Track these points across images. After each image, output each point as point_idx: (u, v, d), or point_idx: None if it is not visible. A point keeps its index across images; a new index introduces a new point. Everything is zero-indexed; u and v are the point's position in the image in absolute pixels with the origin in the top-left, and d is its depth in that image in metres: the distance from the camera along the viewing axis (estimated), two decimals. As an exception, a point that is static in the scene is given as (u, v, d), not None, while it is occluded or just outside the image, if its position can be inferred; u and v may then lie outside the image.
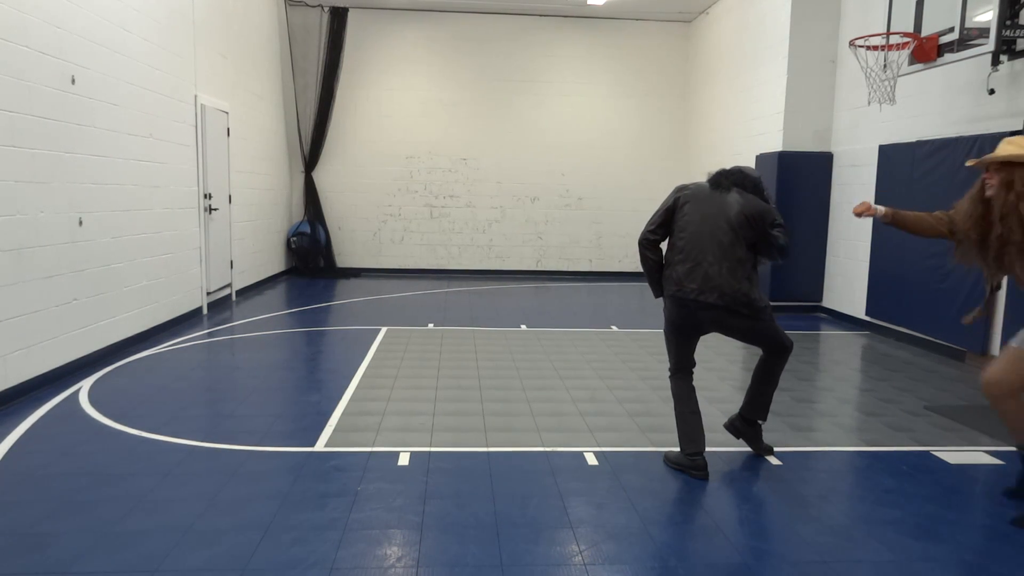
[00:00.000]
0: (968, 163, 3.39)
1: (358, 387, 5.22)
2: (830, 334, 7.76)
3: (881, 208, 3.58)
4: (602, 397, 5.10)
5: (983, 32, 5.73)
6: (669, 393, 3.92)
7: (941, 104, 6.80)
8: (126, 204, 6.24)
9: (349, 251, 12.39)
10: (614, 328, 7.77)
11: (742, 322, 3.65)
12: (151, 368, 5.70)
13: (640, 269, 4.01)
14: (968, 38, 5.85)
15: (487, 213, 12.59)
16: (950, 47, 6.00)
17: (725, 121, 10.77)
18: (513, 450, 4.03)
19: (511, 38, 12.26)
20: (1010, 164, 3.11)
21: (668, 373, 3.91)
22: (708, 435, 3.83)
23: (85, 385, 5.16)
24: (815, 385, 5.60)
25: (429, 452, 3.96)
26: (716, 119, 11.16)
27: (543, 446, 4.10)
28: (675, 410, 3.82)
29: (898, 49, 6.40)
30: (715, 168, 3.93)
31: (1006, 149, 3.15)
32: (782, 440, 4.26)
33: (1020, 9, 5.53)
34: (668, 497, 3.47)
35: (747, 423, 4.00)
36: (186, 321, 7.55)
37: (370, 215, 12.40)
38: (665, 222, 3.78)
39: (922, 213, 3.58)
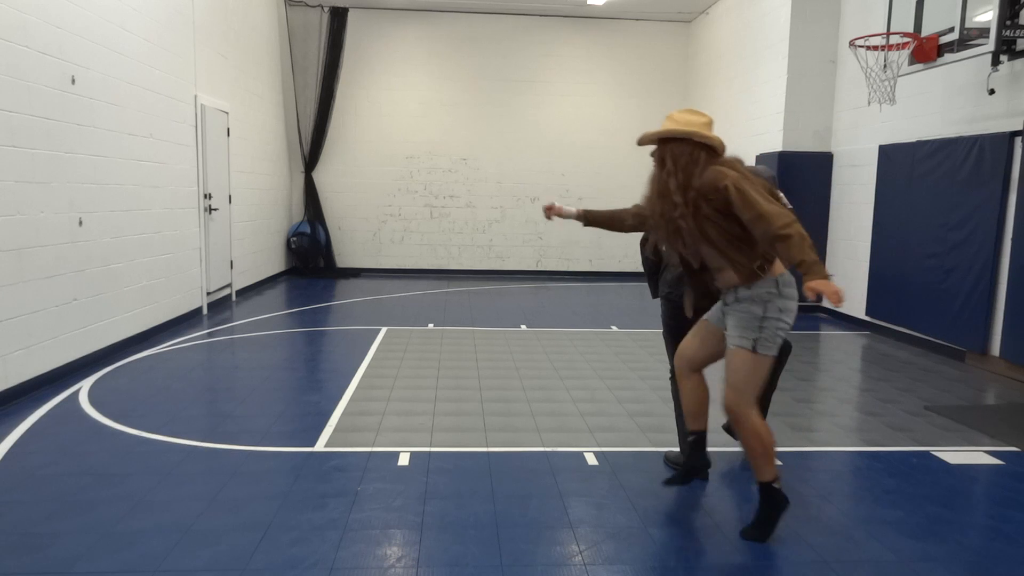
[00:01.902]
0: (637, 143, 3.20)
1: (358, 387, 5.22)
2: (830, 334, 7.76)
3: (572, 209, 3.51)
4: (602, 397, 5.10)
5: (983, 32, 5.73)
6: (669, 393, 3.92)
7: (941, 104, 6.80)
8: (126, 204, 6.24)
9: (349, 251, 12.40)
10: (614, 328, 7.77)
11: None
12: (151, 368, 5.70)
13: (640, 269, 4.01)
14: (968, 38, 5.85)
15: (487, 213, 12.59)
16: (950, 47, 6.00)
17: (725, 121, 10.75)
18: (513, 450, 4.03)
19: (511, 38, 12.25)
20: (665, 140, 2.97)
21: (668, 374, 3.91)
22: (708, 435, 3.82)
23: (85, 385, 5.16)
24: (815, 385, 5.60)
25: (429, 452, 3.96)
26: (716, 119, 11.07)
27: (543, 446, 4.10)
28: (675, 411, 3.81)
29: (898, 49, 6.41)
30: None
31: (664, 125, 2.99)
32: (782, 440, 4.25)
33: (1020, 9, 5.54)
34: (668, 497, 3.47)
35: (747, 423, 3.99)
36: (186, 321, 7.55)
37: (370, 215, 12.40)
38: None
39: (616, 209, 3.49)
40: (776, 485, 3.03)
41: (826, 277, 2.61)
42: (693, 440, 3.30)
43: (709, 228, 2.89)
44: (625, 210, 3.44)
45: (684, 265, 3.16)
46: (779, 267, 2.95)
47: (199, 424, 4.38)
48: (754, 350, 2.92)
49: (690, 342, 3.25)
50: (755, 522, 3.08)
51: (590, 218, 3.55)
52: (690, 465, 3.33)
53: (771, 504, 3.04)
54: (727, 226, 2.88)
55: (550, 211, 3.59)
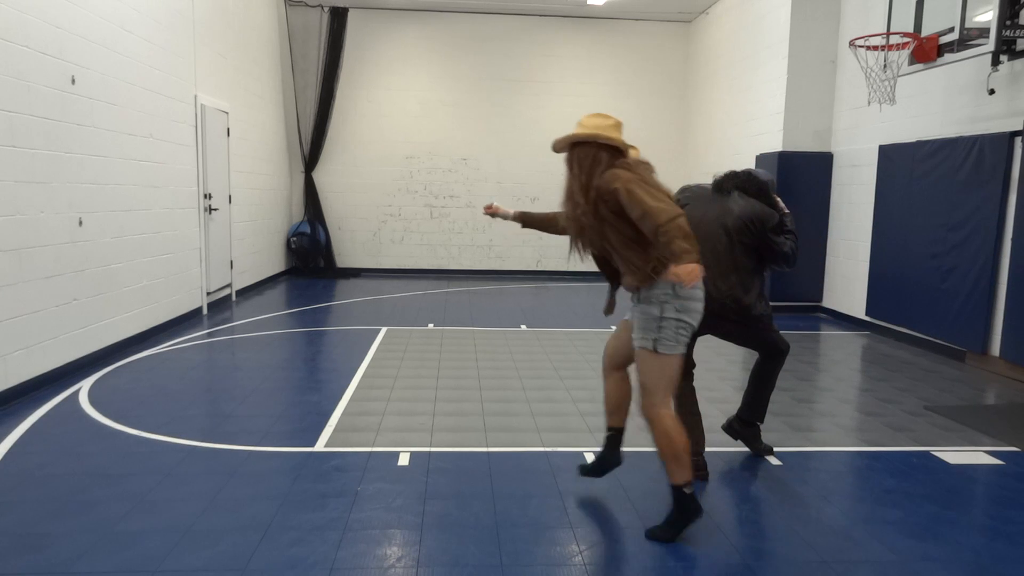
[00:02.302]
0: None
1: (358, 387, 5.22)
2: (830, 334, 7.76)
3: (509, 211, 3.64)
4: (602, 397, 5.09)
5: (983, 32, 5.73)
6: (669, 393, 3.91)
7: (941, 104, 6.80)
8: (126, 204, 6.24)
9: (349, 251, 12.39)
10: (614, 328, 7.75)
11: (734, 327, 3.65)
12: (151, 368, 5.70)
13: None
14: (968, 38, 5.85)
15: (487, 213, 12.57)
16: (950, 47, 6.00)
17: (725, 121, 10.76)
18: (513, 450, 4.03)
19: (511, 38, 12.25)
20: (575, 145, 3.02)
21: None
22: (708, 436, 3.83)
23: (85, 385, 5.16)
24: (815, 385, 5.60)
25: (429, 452, 3.96)
26: (716, 119, 11.16)
27: (543, 446, 4.10)
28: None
29: (898, 49, 6.41)
30: (717, 169, 3.94)
31: (575, 130, 3.04)
32: (782, 440, 4.26)
33: (1020, 9, 5.54)
34: (668, 497, 3.46)
35: (745, 424, 4.00)
36: (186, 321, 7.55)
37: (370, 215, 12.40)
38: None
39: (552, 212, 3.56)
40: (687, 491, 3.02)
41: (695, 263, 2.64)
42: (609, 436, 3.40)
43: (607, 229, 2.97)
44: (559, 212, 3.45)
45: (598, 263, 3.24)
46: None
47: (199, 424, 4.38)
48: (655, 350, 2.96)
49: (610, 340, 3.38)
50: (665, 522, 3.09)
51: (527, 220, 3.64)
52: (603, 457, 3.43)
53: (681, 509, 3.04)
54: (621, 227, 2.93)
55: (488, 209, 3.67)
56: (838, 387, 5.56)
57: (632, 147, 3.06)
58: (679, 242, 2.68)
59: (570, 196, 3.03)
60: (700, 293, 3.01)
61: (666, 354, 2.96)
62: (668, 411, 3.03)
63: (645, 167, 3.02)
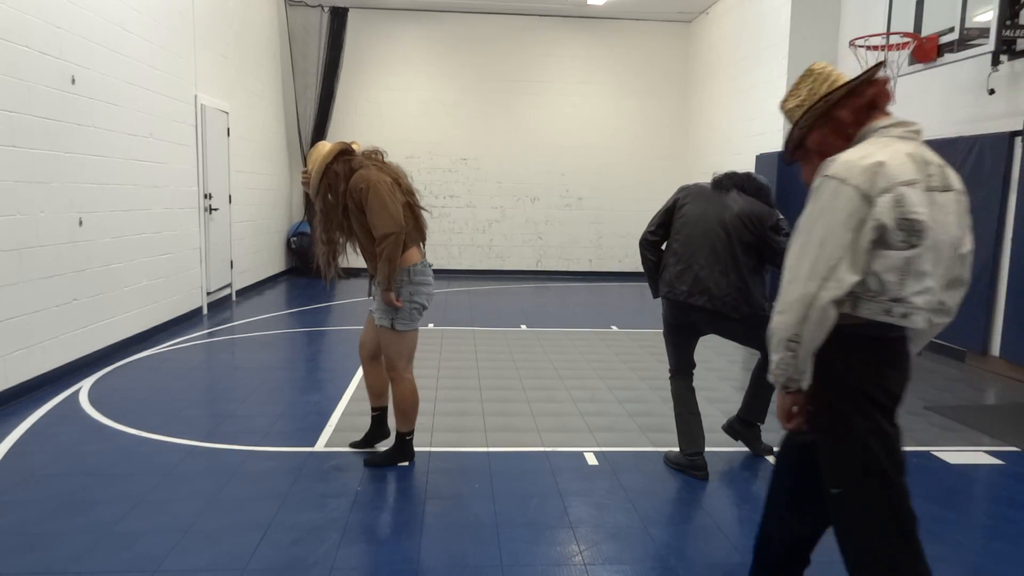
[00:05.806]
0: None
1: (358, 387, 5.22)
2: (830, 334, 7.74)
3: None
4: (602, 397, 5.10)
5: (983, 32, 5.74)
6: (669, 393, 3.91)
7: (941, 104, 6.80)
8: (126, 204, 6.24)
9: (349, 251, 12.36)
10: (614, 328, 7.77)
11: (734, 326, 3.64)
12: (151, 368, 5.70)
13: (640, 269, 4.02)
14: (968, 38, 5.86)
15: (487, 213, 12.59)
16: (950, 47, 6.01)
17: (725, 121, 10.77)
18: (513, 450, 4.03)
19: (511, 38, 12.25)
20: (325, 171, 3.60)
21: (668, 374, 3.91)
22: (708, 435, 3.83)
23: (85, 385, 5.16)
24: (815, 385, 5.59)
25: (429, 452, 3.96)
26: (716, 119, 11.16)
27: (543, 446, 4.10)
28: (675, 411, 3.81)
29: (898, 49, 6.41)
30: (717, 169, 3.93)
31: (313, 165, 3.59)
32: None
33: (1020, 9, 5.54)
34: (668, 497, 3.47)
35: (745, 425, 4.00)
36: (186, 321, 7.55)
37: (370, 215, 12.37)
38: (665, 223, 3.78)
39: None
40: (408, 438, 3.74)
41: (388, 290, 3.47)
42: (376, 415, 3.94)
43: (354, 223, 3.57)
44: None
45: (363, 253, 3.70)
46: (412, 258, 3.60)
47: (199, 424, 4.38)
48: (393, 327, 3.57)
49: (363, 334, 3.87)
50: (383, 454, 3.78)
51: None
52: (372, 433, 3.95)
53: (399, 450, 3.75)
54: (364, 221, 3.52)
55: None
56: (838, 387, 5.55)
57: (353, 143, 3.65)
58: (384, 266, 3.41)
59: (326, 215, 3.58)
60: (430, 279, 3.69)
61: (403, 330, 3.58)
62: (409, 375, 3.68)
63: (376, 154, 3.62)
